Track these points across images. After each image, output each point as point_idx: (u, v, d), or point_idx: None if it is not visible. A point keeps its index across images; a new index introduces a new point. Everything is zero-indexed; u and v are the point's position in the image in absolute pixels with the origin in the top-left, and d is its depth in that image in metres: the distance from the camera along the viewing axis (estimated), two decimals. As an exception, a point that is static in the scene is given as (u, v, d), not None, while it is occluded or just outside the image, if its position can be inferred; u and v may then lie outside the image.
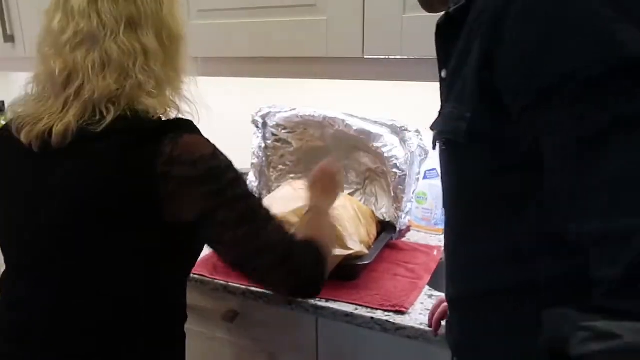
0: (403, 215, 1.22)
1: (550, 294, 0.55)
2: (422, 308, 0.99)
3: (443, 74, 0.65)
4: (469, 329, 0.67)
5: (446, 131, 0.61)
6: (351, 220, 1.13)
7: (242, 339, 1.15)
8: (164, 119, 0.77)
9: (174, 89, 0.81)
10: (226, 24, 1.28)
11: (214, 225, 0.74)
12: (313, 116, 1.29)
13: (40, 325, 0.78)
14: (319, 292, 0.83)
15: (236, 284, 1.09)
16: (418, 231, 1.38)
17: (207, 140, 0.77)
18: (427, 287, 1.08)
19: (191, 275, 1.13)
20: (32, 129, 0.74)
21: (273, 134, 1.38)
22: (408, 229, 1.26)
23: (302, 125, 1.33)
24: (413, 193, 1.25)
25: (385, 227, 1.25)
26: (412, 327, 0.93)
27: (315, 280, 0.81)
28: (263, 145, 1.38)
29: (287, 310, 1.05)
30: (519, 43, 0.50)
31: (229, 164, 0.78)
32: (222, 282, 1.10)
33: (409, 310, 0.98)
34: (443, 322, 0.91)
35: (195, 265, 1.15)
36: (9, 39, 1.56)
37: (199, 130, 0.78)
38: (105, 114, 0.72)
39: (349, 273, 1.09)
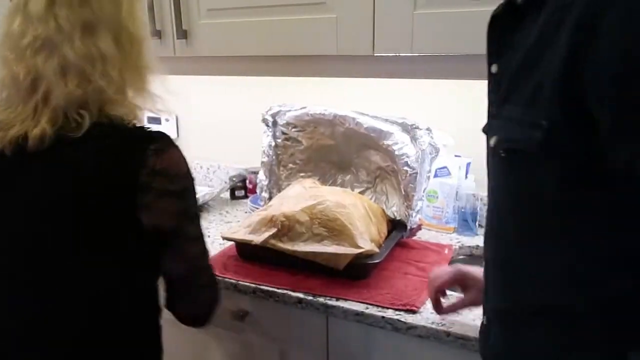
0: (414, 214, 1.21)
1: (612, 316, 0.51)
2: (434, 307, 0.99)
3: (494, 68, 0.60)
4: (516, 344, 0.61)
5: (513, 139, 0.54)
6: (362, 219, 1.13)
7: (252, 338, 1.15)
8: (138, 124, 0.79)
9: (139, 91, 0.81)
10: (235, 23, 1.28)
11: (182, 239, 0.80)
12: (323, 114, 1.28)
13: (17, 332, 0.77)
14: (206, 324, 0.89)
15: (246, 282, 1.09)
16: (429, 230, 1.37)
17: (184, 157, 0.80)
18: (438, 286, 1.07)
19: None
20: (5, 135, 0.74)
21: (283, 133, 1.37)
22: (419, 228, 1.25)
23: (312, 124, 1.33)
24: (424, 191, 1.24)
25: (396, 226, 1.24)
26: (424, 326, 0.93)
27: (214, 311, 0.88)
28: (273, 143, 1.38)
29: (297, 309, 1.05)
30: (620, 43, 0.43)
31: (194, 184, 0.83)
32: (232, 280, 1.10)
33: (420, 309, 0.97)
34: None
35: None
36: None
37: (176, 144, 0.80)
38: (80, 120, 0.73)
39: (360, 272, 1.08)
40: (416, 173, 1.16)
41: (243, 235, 1.15)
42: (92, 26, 0.73)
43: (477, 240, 1.32)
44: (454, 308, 0.92)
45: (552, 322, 0.56)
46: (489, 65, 0.61)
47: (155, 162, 0.74)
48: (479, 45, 1.03)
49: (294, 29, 1.21)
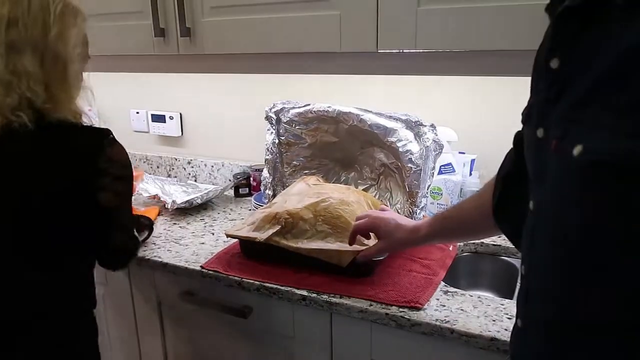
0: (418, 211, 1.21)
1: None
2: (438, 304, 0.98)
3: (554, 63, 0.54)
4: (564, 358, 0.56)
5: (607, 152, 0.46)
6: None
7: (256, 335, 1.15)
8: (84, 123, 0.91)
9: (65, 107, 0.88)
10: (239, 21, 1.28)
11: (126, 214, 0.98)
12: (327, 111, 1.28)
13: None
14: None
15: (250, 279, 1.09)
16: (433, 227, 1.36)
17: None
18: (442, 283, 1.07)
19: (205, 271, 1.14)
20: None
21: (287, 130, 1.37)
22: (423, 225, 1.25)
23: (316, 121, 1.33)
24: (428, 188, 1.24)
25: (400, 223, 1.24)
26: (428, 323, 0.92)
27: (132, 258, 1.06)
28: (277, 141, 1.38)
29: (301, 306, 1.05)
30: None
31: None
32: (236, 278, 1.10)
33: (424, 306, 0.97)
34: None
35: (210, 262, 1.17)
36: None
37: None
38: (19, 120, 0.82)
39: (364, 269, 1.08)
40: (420, 170, 1.16)
41: (247, 232, 1.15)
42: (17, 46, 0.82)
43: (482, 237, 1.32)
44: (366, 255, 1.03)
45: (621, 341, 0.51)
46: (548, 59, 0.55)
47: (111, 152, 0.89)
48: (484, 41, 1.03)
49: (298, 26, 1.20)
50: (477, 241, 1.29)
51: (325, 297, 1.02)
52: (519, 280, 1.18)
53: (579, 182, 0.50)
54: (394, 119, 1.20)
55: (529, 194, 0.59)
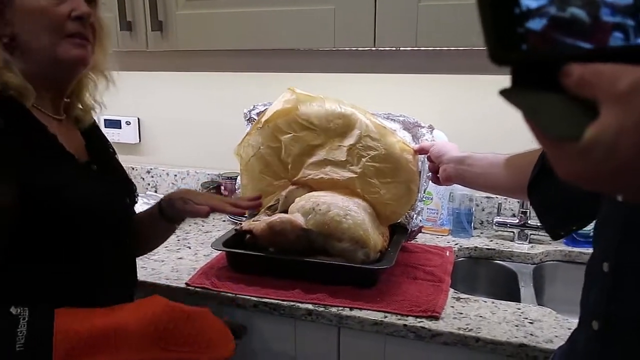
0: (415, 216, 1.16)
1: None
2: (454, 312, 0.93)
3: None
4: None
5: None
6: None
7: (252, 357, 1.04)
8: None
9: None
10: (218, 14, 1.18)
11: None
12: (316, 113, 1.20)
13: None
14: None
15: (245, 295, 0.98)
16: (424, 232, 1.32)
17: None
18: (452, 290, 1.02)
19: (192, 288, 1.02)
20: None
21: (269, 133, 1.28)
22: (419, 230, 1.20)
23: (302, 123, 1.24)
24: (424, 192, 1.19)
25: (395, 229, 1.18)
26: (451, 333, 0.87)
27: None
28: (258, 145, 1.28)
29: (305, 321, 0.96)
30: None
31: None
32: (229, 294, 0.99)
33: (442, 315, 0.91)
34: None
35: (195, 278, 1.05)
36: None
37: None
38: None
39: (369, 278, 1.01)
40: (420, 172, 1.11)
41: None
42: None
43: (473, 241, 1.29)
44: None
45: None
46: None
47: None
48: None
49: (286, 20, 1.13)
50: (470, 246, 1.26)
51: (334, 310, 0.93)
52: (521, 284, 1.16)
53: None
54: (391, 119, 1.15)
55: None
